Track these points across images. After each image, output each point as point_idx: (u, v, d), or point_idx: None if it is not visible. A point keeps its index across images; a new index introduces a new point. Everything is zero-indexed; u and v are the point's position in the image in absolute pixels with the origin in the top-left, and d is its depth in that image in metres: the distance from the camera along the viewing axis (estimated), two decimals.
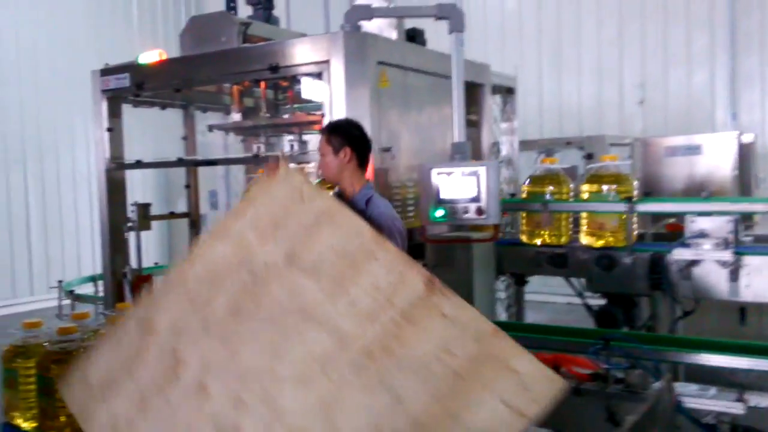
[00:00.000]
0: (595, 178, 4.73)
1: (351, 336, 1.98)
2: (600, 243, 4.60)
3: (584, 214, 4.67)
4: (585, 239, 4.67)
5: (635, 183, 4.75)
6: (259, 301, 2.23)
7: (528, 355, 1.80)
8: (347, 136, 3.38)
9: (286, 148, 4.83)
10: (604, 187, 4.63)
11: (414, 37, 4.80)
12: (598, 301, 5.03)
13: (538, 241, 4.75)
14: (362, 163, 3.42)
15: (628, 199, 4.50)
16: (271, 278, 2.27)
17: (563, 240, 4.68)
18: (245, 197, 3.06)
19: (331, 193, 3.42)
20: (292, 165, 2.99)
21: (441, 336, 1.88)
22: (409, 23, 4.84)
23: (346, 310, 2.03)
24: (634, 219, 4.62)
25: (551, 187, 4.73)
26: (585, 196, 4.73)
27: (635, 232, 4.65)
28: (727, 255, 4.13)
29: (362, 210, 3.30)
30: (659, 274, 4.36)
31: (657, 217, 5.53)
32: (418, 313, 1.92)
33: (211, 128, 5.21)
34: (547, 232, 4.66)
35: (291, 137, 4.84)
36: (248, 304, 2.25)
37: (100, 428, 2.39)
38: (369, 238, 2.14)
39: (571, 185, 4.92)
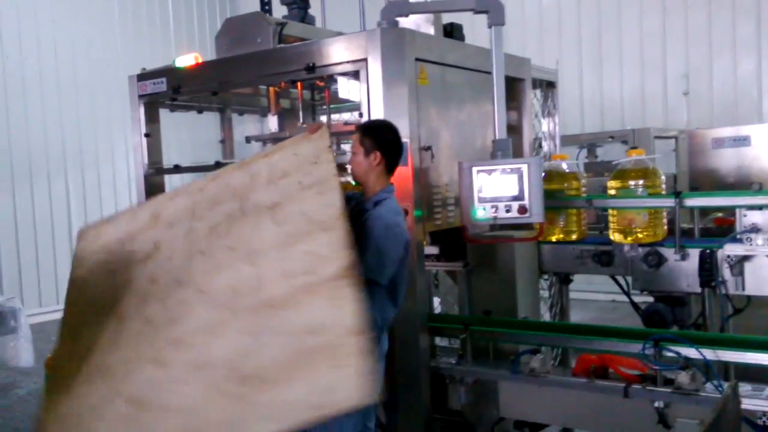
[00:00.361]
0: (622, 174, 4.57)
1: (268, 284, 2.33)
2: (630, 240, 4.45)
3: (612, 211, 4.52)
4: (614, 236, 4.52)
5: (663, 177, 4.56)
6: (231, 230, 2.67)
7: (359, 365, 1.94)
8: (380, 140, 3.41)
9: None
10: (631, 183, 4.46)
11: (452, 32, 4.71)
12: (645, 299, 4.89)
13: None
14: (390, 168, 3.45)
15: (677, 194, 4.35)
16: (251, 216, 2.70)
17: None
18: (280, 144, 3.54)
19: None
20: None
21: (319, 314, 2.16)
22: (447, 18, 4.74)
23: (278, 265, 2.40)
24: (664, 214, 4.47)
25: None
26: (611, 192, 4.57)
27: (663, 227, 4.49)
28: None
29: (367, 209, 3.36)
30: (710, 270, 4.20)
31: (704, 211, 5.37)
32: (325, 289, 2.21)
33: (248, 140, 5.21)
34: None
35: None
36: (223, 228, 2.70)
37: None
38: (334, 215, 2.52)
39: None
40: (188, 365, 2.20)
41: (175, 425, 2.05)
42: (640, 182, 4.45)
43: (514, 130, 4.92)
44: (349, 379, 1.91)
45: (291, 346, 2.09)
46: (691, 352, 3.43)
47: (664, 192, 4.51)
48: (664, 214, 4.50)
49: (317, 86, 4.98)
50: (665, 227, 4.49)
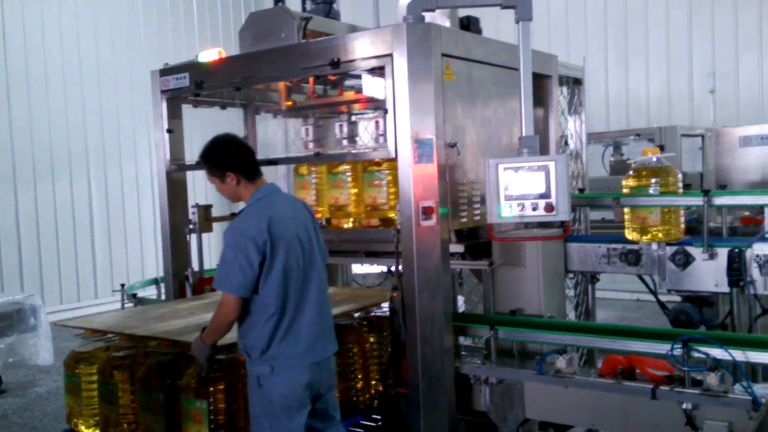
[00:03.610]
0: (639, 173, 4.48)
1: None
2: (646, 238, 4.37)
3: (627, 210, 4.44)
4: (629, 235, 4.44)
5: (679, 176, 4.47)
6: None
7: None
8: (225, 162, 3.45)
9: (336, 132, 4.75)
10: (652, 181, 4.36)
11: (468, 25, 4.63)
12: (671, 298, 4.81)
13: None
14: (250, 175, 3.47)
15: (705, 192, 4.27)
16: None
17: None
18: None
19: None
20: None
21: None
22: (464, 11, 4.66)
23: None
24: (681, 213, 4.40)
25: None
26: (625, 191, 4.48)
27: (680, 226, 4.41)
28: None
29: None
30: (738, 270, 4.12)
31: (732, 210, 5.27)
32: None
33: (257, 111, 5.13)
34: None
35: (340, 120, 4.74)
36: None
37: None
38: None
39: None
40: None
41: None
42: (654, 181, 4.35)
43: (540, 127, 4.86)
44: None
45: None
46: (719, 353, 3.36)
47: (680, 191, 4.42)
48: (682, 212, 4.41)
49: (329, 81, 4.92)
50: (682, 226, 4.40)
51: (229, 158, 3.46)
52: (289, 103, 5.09)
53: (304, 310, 3.35)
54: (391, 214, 4.31)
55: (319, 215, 4.76)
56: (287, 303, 3.30)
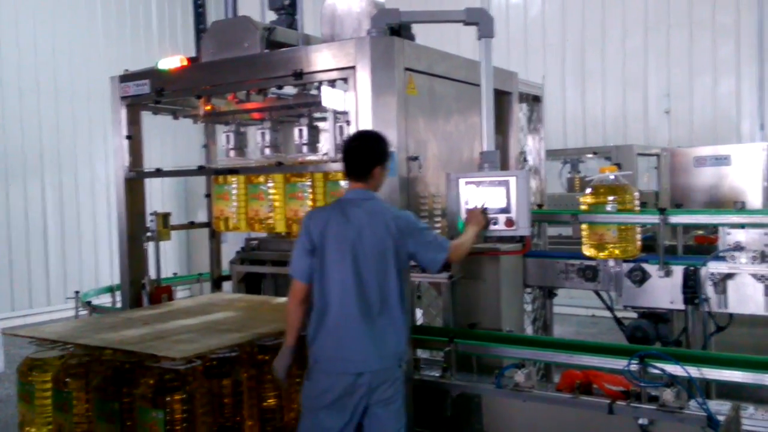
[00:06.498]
0: (597, 190, 4.54)
1: None
2: (603, 255, 4.43)
3: (584, 226, 4.50)
4: (587, 251, 4.50)
5: (636, 194, 4.54)
6: None
7: None
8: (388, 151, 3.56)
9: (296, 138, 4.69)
10: (608, 199, 4.42)
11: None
12: (627, 315, 4.89)
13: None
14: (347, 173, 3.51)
15: (661, 210, 4.35)
16: None
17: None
18: None
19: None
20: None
21: None
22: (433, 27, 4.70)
23: None
24: (638, 231, 4.47)
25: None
26: (583, 207, 4.55)
27: (636, 243, 4.48)
28: (764, 268, 3.98)
29: None
30: (693, 287, 4.20)
31: (686, 228, 5.38)
32: None
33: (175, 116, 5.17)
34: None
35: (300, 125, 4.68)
36: None
37: None
38: None
39: None
40: None
41: None
42: (612, 198, 4.42)
43: (499, 142, 4.90)
44: None
45: None
46: (675, 370, 3.41)
47: (637, 209, 4.49)
48: (638, 230, 4.49)
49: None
50: (638, 243, 4.48)
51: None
52: (209, 107, 5.05)
53: None
54: None
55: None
56: None
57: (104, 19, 12.30)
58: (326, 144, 4.39)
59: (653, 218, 4.36)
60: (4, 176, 10.90)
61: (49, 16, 11.46)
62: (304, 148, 4.58)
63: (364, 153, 3.43)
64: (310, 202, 4.64)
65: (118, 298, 5.46)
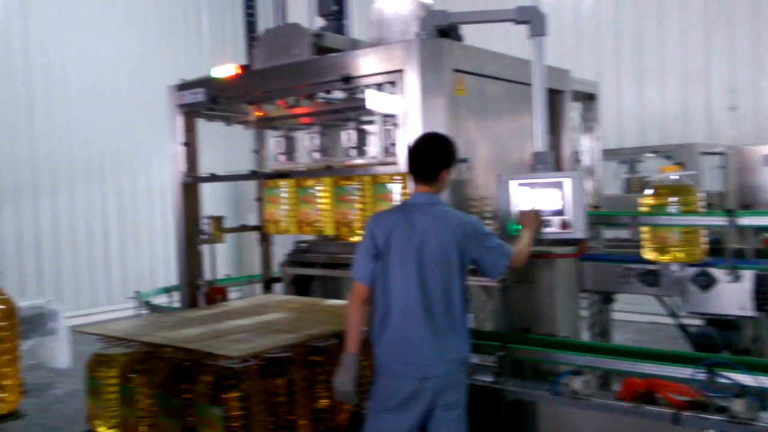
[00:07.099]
0: (659, 191, 4.34)
1: None
2: (666, 258, 4.23)
3: (645, 228, 4.30)
4: (648, 255, 4.30)
5: (701, 194, 4.32)
6: None
7: None
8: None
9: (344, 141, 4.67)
10: (670, 200, 4.22)
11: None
12: (691, 321, 4.68)
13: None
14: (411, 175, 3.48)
15: (729, 211, 4.13)
16: None
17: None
18: None
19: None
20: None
21: None
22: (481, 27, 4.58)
23: None
24: (703, 233, 4.23)
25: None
26: (644, 209, 4.34)
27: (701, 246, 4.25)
28: None
29: None
30: (765, 293, 3.98)
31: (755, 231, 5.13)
32: None
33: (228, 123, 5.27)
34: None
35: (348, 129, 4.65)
36: None
37: None
38: None
39: None
40: None
41: None
42: (675, 199, 4.22)
43: (552, 143, 4.78)
44: None
45: None
46: (746, 379, 3.24)
47: (702, 210, 4.28)
48: (703, 233, 4.27)
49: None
50: (703, 246, 4.27)
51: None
52: (260, 113, 5.07)
53: None
54: None
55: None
56: None
57: (159, 30, 12.73)
58: (374, 147, 4.37)
59: (720, 220, 4.11)
60: (68, 182, 11.46)
61: (109, 28, 11.96)
62: (353, 152, 4.56)
63: (432, 155, 3.37)
64: (358, 205, 4.61)
65: (175, 298, 5.64)
